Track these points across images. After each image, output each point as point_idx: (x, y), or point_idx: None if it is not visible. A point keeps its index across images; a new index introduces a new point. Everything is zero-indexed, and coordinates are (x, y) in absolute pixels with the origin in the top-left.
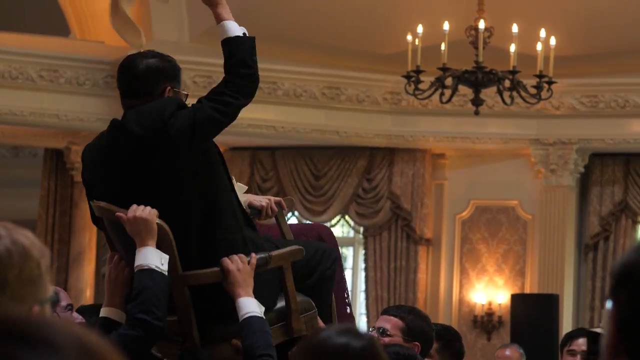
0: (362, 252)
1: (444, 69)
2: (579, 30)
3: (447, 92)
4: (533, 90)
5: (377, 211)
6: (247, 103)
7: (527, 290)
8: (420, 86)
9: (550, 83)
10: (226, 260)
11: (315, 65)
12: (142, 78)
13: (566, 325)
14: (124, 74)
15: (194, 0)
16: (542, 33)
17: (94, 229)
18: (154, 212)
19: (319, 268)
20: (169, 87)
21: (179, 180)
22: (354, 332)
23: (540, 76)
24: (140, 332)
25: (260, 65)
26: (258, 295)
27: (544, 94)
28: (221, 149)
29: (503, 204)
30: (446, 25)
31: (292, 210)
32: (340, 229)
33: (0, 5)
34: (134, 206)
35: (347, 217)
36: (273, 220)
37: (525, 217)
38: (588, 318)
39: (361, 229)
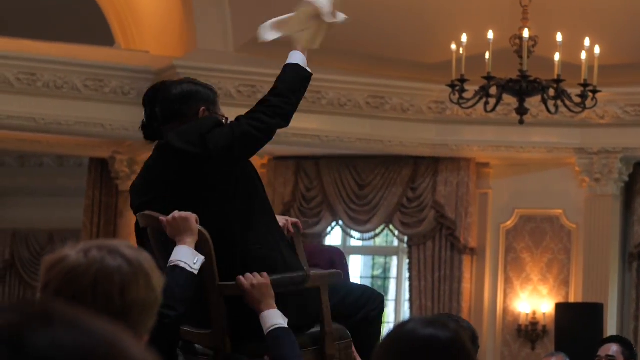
0: (406, 261)
1: (489, 77)
2: (623, 39)
3: (492, 101)
4: (577, 99)
5: (421, 220)
6: (283, 125)
7: (572, 300)
8: (465, 95)
9: (594, 92)
10: (240, 279)
11: (359, 75)
12: (175, 101)
13: (611, 334)
14: (160, 100)
15: (239, 9)
16: (587, 42)
17: None
18: (194, 215)
19: (365, 309)
20: (203, 108)
21: (217, 195)
22: (439, 323)
23: (584, 85)
24: None
25: None
26: (294, 314)
27: (588, 102)
28: (265, 159)
29: (547, 213)
30: (490, 34)
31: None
32: (385, 238)
33: (45, 16)
34: (175, 212)
35: (391, 227)
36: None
37: (569, 227)
38: (632, 327)
39: (405, 238)
